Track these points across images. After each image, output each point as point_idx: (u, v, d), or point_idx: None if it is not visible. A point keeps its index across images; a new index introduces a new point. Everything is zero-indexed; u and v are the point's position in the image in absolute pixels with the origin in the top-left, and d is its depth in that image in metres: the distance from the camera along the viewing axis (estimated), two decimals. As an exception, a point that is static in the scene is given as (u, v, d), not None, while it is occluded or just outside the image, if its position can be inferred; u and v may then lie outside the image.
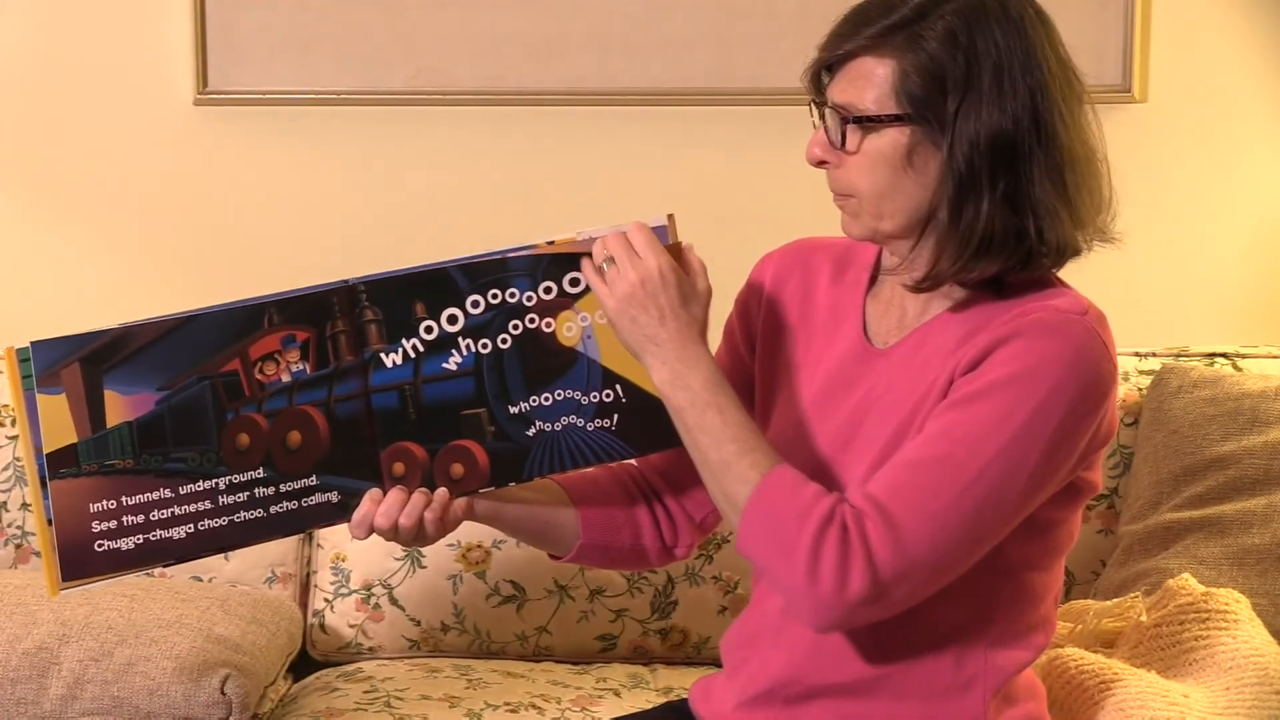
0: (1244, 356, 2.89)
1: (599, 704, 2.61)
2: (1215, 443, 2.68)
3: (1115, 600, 2.41)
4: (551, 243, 1.95)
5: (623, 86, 3.06)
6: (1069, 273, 1.94)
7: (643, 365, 1.91)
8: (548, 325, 1.95)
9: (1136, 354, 2.91)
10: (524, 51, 3.07)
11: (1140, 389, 2.84)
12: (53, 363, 1.87)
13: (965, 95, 1.84)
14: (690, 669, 2.79)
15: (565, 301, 1.95)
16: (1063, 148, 1.88)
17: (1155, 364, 2.87)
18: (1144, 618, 2.34)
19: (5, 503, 2.88)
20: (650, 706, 2.28)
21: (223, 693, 2.47)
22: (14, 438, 2.87)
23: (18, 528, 2.87)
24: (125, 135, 3.11)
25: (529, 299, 1.95)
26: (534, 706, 2.59)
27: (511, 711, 2.57)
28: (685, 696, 2.17)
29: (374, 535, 1.94)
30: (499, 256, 1.95)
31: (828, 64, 1.90)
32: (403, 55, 3.08)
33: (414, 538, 1.95)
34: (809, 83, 1.93)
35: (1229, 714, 2.16)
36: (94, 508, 1.87)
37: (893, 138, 1.87)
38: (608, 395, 1.96)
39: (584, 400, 1.97)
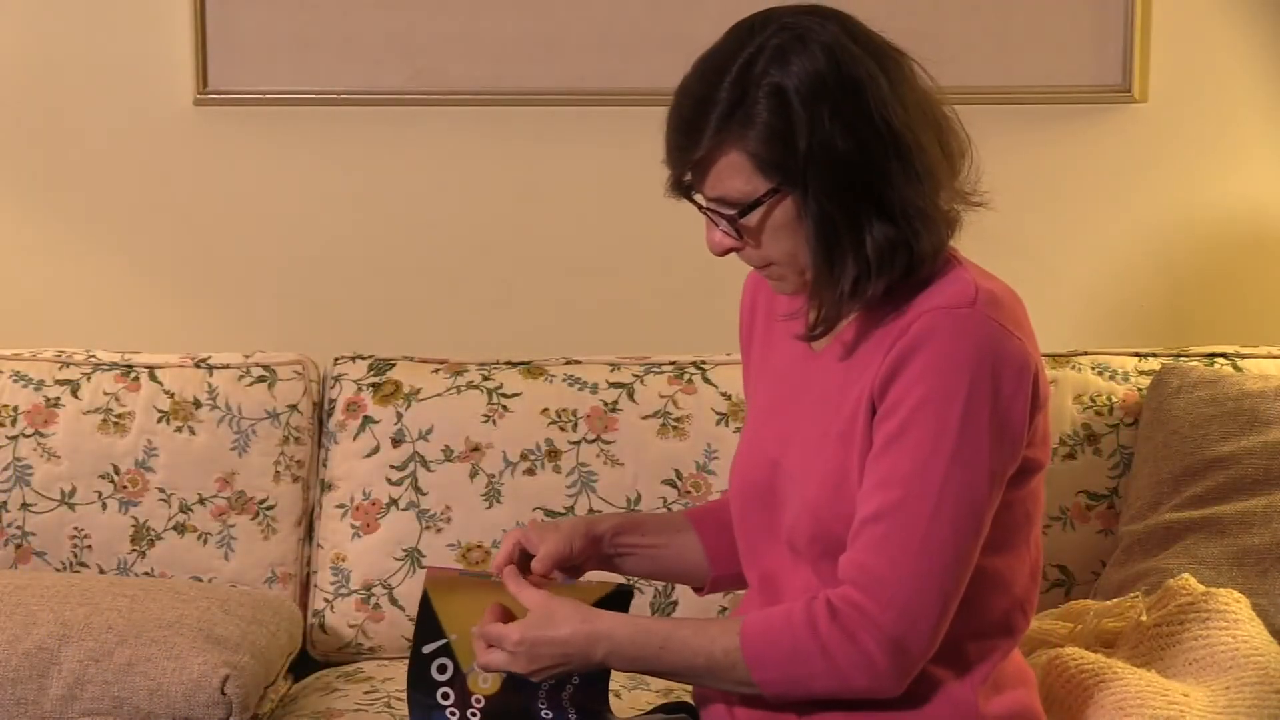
0: (1244, 356, 2.88)
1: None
2: (1215, 443, 2.68)
3: (1115, 600, 2.41)
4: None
5: (623, 86, 3.06)
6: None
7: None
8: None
9: (1136, 354, 2.91)
10: (524, 51, 3.07)
11: (1140, 389, 2.84)
12: None
13: (809, 137, 1.86)
14: (690, 669, 2.78)
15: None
16: (908, 138, 1.89)
17: (1155, 364, 2.87)
18: (1144, 618, 2.34)
19: (5, 503, 2.87)
20: (650, 707, 2.28)
21: (223, 693, 2.47)
22: (14, 438, 2.87)
23: (18, 528, 2.87)
24: (125, 135, 3.11)
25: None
26: (534, 706, 2.58)
27: (511, 711, 2.57)
28: (685, 699, 2.18)
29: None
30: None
31: (685, 174, 1.92)
32: (402, 55, 3.08)
33: None
34: (676, 192, 1.95)
35: (1229, 713, 2.16)
36: None
37: (781, 209, 1.90)
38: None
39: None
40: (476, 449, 2.85)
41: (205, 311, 3.14)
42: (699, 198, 1.94)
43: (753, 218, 1.90)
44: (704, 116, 1.89)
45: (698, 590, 2.22)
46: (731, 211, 1.91)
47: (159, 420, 2.88)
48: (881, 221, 1.88)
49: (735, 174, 1.89)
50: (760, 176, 1.88)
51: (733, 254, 1.97)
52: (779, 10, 1.92)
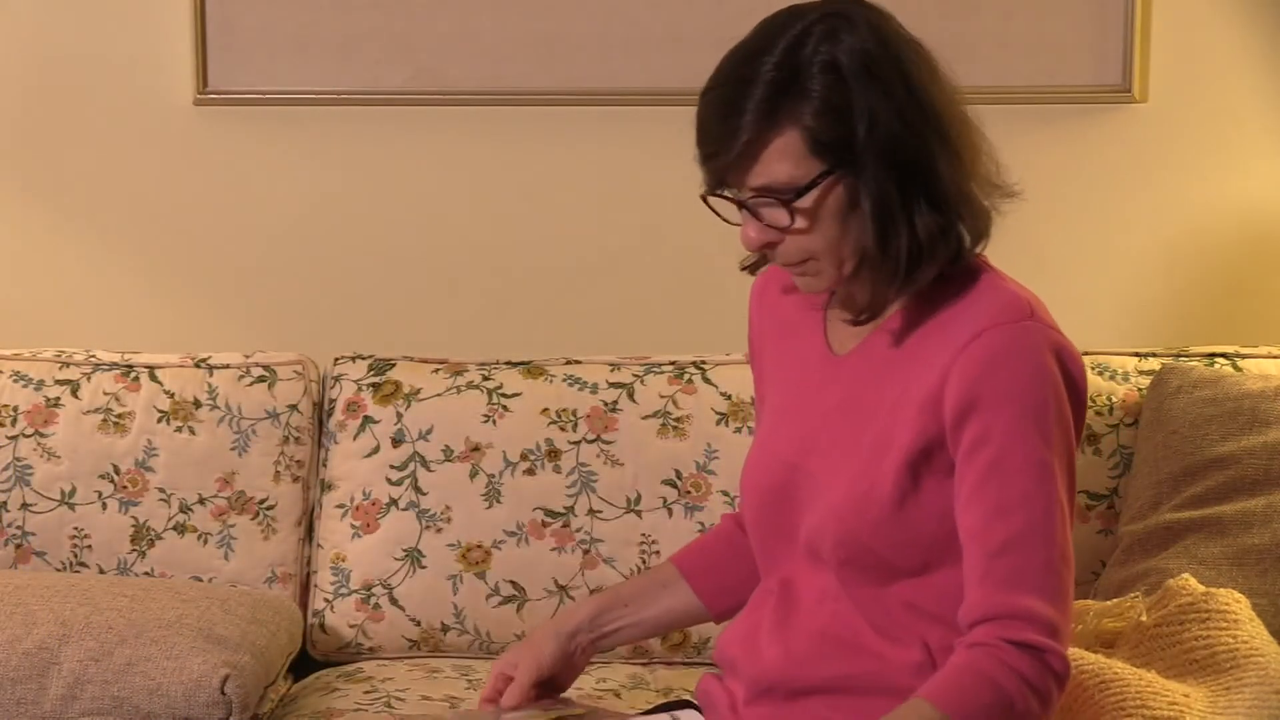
0: (1244, 356, 2.88)
1: (599, 704, 2.60)
2: (1215, 443, 2.68)
3: (1115, 600, 2.41)
4: None
5: (623, 86, 3.06)
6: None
7: None
8: None
9: (1136, 354, 2.91)
10: (524, 51, 3.07)
11: (1140, 389, 2.84)
12: None
13: (868, 113, 1.85)
14: (690, 669, 2.78)
15: None
16: (947, 121, 1.89)
17: (1155, 364, 2.87)
18: (1144, 618, 2.34)
19: (5, 503, 2.87)
20: (650, 706, 2.28)
21: (223, 693, 2.47)
22: (14, 438, 2.87)
23: (18, 528, 2.87)
24: (125, 135, 3.11)
25: None
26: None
27: (511, 711, 2.57)
28: (686, 697, 2.18)
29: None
30: None
31: (728, 163, 1.88)
32: (403, 55, 3.08)
33: None
34: (712, 186, 1.91)
35: (1229, 714, 2.16)
36: None
37: (834, 194, 1.87)
38: None
39: None
40: (476, 449, 2.85)
41: (205, 311, 3.14)
42: (733, 193, 1.91)
43: (807, 200, 1.86)
44: (749, 97, 1.85)
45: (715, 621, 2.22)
46: (785, 197, 1.86)
47: (159, 420, 2.88)
48: (929, 204, 1.87)
49: (785, 157, 1.85)
50: (812, 158, 1.85)
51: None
52: (810, 2, 1.91)
